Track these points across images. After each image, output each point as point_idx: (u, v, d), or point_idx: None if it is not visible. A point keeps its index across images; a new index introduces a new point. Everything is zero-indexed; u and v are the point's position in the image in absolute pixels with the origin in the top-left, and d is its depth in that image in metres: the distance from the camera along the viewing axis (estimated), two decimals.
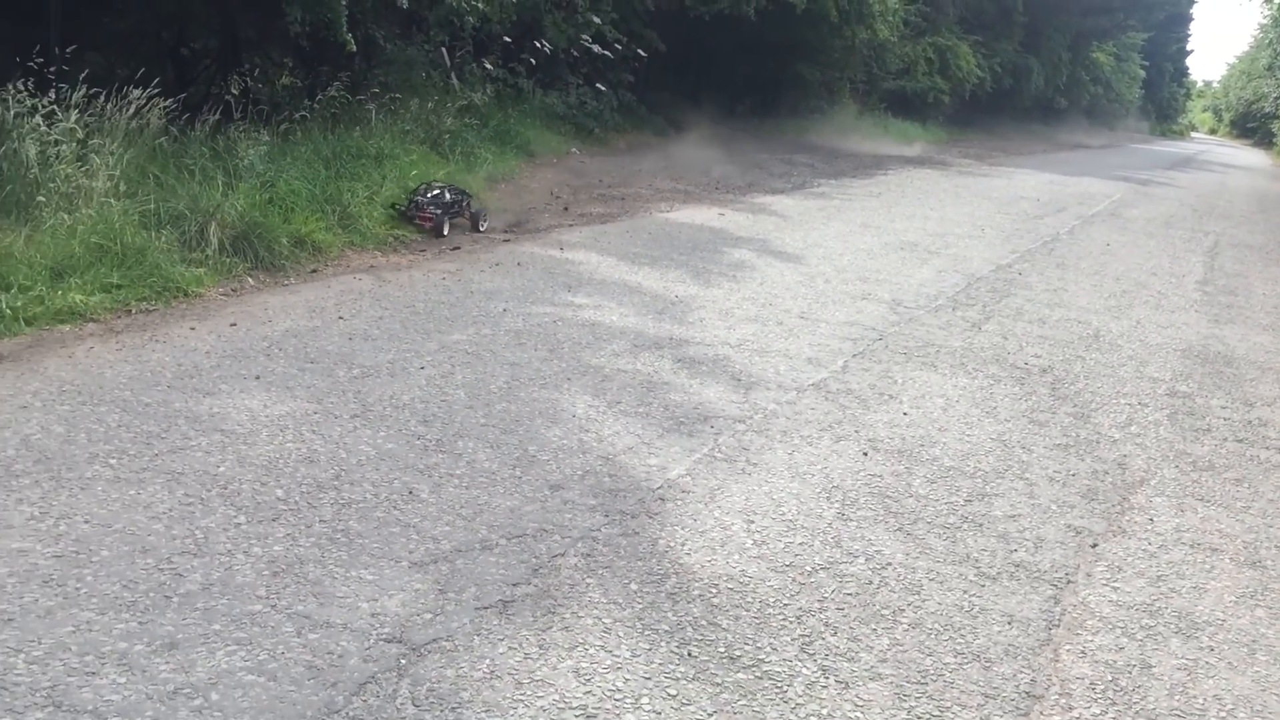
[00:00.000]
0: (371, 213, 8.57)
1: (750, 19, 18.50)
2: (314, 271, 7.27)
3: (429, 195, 9.15)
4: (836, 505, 4.12)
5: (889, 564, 3.68)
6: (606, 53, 15.69)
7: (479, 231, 9.24)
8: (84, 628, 2.88)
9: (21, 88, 6.73)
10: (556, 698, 2.75)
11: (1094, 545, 4.02)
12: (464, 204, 9.40)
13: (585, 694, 2.77)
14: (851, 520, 4.00)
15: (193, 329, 5.69)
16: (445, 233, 8.79)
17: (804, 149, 20.53)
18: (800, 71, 23.34)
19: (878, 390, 5.62)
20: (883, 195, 14.84)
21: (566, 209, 11.01)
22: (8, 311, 5.41)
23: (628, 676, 2.87)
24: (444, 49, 13.45)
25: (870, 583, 3.53)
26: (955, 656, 3.15)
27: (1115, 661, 3.24)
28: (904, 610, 3.38)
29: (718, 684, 2.88)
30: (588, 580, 3.36)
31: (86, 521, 3.46)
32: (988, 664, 3.13)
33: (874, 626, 3.26)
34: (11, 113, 6.46)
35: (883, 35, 23.78)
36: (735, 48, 20.51)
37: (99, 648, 2.79)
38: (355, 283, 7.02)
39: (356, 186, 8.74)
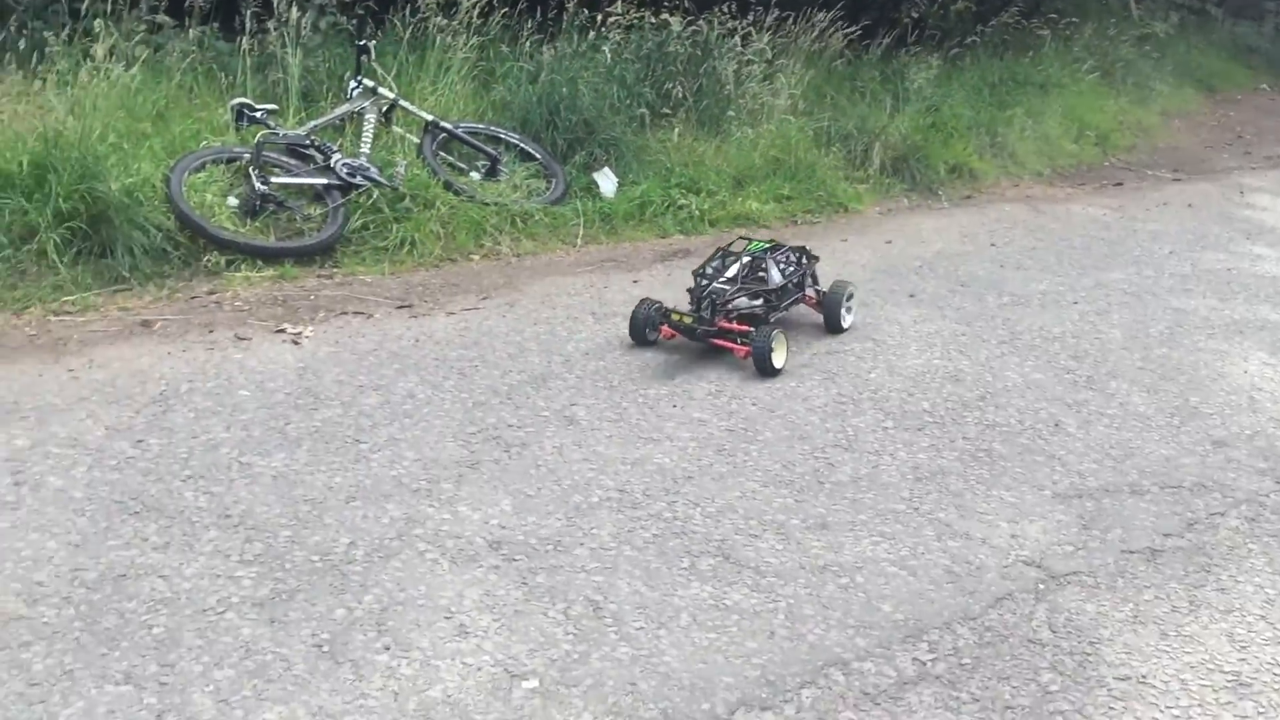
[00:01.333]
0: (1027, 145, 8.35)
1: None
2: (967, 197, 7.27)
3: (742, 274, 4.37)
4: None
5: None
6: None
7: (841, 331, 4.58)
8: (749, 495, 3.20)
9: (725, 10, 7.38)
10: (1205, 657, 2.57)
11: None
12: (806, 274, 4.68)
13: (1239, 660, 2.56)
14: None
15: (845, 241, 5.98)
16: (780, 364, 4.06)
17: None
18: None
19: None
20: None
21: (1249, 151, 9.90)
22: (696, 212, 6.08)
23: None
24: None
25: None
26: None
27: None
28: None
29: None
30: (1250, 545, 3.08)
31: (754, 404, 3.82)
32: None
33: None
34: (715, 34, 7.12)
35: None
36: None
37: (761, 515, 3.09)
38: (1009, 211, 6.92)
39: (1018, 114, 8.55)
